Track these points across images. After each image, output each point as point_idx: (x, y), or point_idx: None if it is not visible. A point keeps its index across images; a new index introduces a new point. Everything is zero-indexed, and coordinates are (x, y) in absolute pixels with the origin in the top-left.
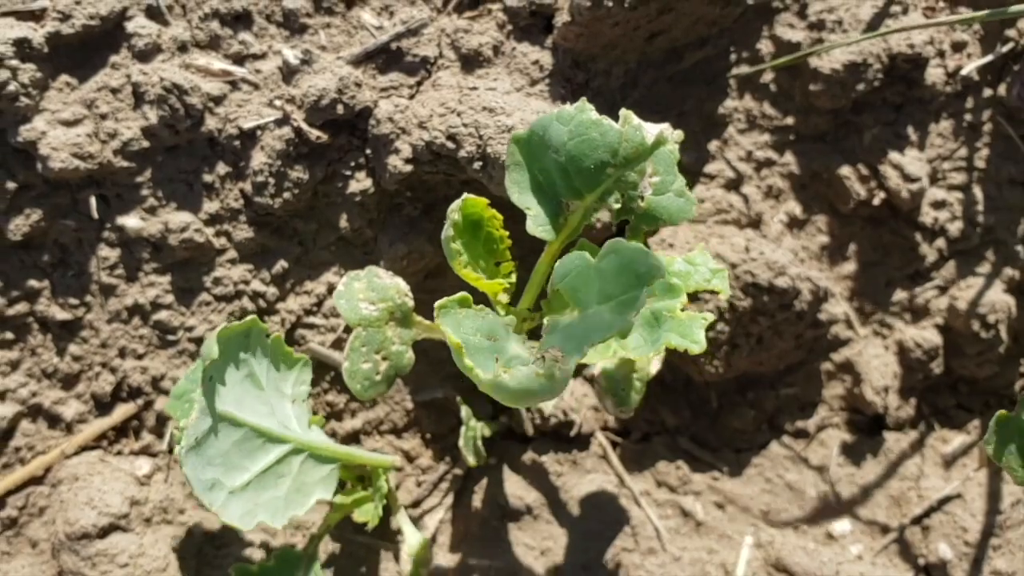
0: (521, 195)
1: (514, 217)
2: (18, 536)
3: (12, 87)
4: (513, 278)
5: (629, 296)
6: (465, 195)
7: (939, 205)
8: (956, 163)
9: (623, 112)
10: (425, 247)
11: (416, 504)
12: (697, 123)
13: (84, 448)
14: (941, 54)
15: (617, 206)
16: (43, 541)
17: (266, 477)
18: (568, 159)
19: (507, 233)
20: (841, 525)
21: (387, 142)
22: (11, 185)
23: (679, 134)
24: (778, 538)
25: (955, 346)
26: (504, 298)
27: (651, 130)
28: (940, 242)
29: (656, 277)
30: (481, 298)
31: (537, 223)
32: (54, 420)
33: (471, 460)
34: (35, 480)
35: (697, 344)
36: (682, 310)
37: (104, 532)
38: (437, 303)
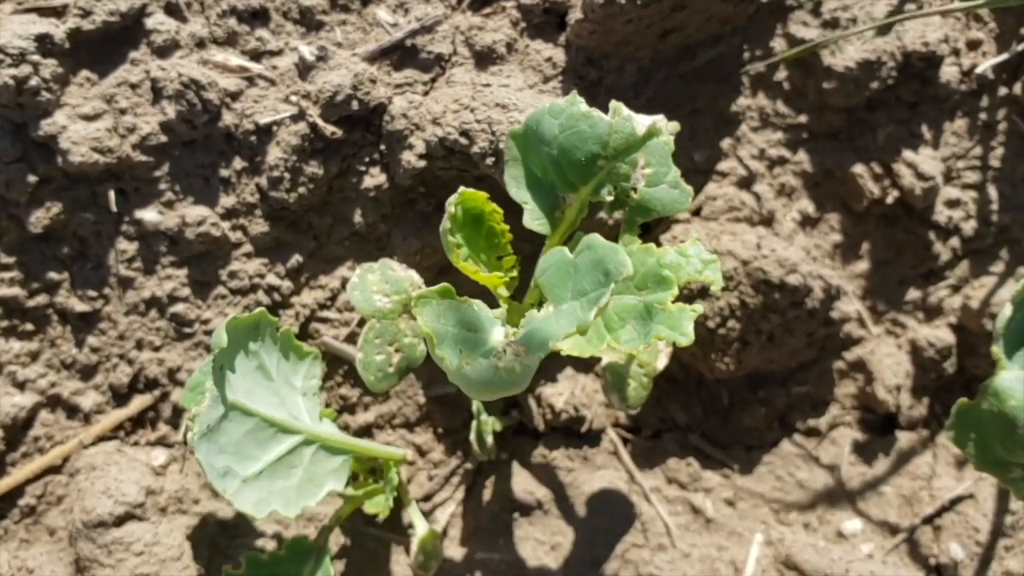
0: (518, 190)
1: (522, 212)
2: (36, 524)
3: (34, 82)
4: (515, 272)
5: (597, 292)
6: (462, 188)
7: (953, 204)
8: (970, 162)
9: (613, 104)
10: (438, 242)
11: (427, 498)
12: (710, 121)
13: (101, 438)
14: (956, 52)
15: (610, 198)
16: (60, 529)
17: (278, 467)
18: (560, 152)
19: (508, 227)
20: (852, 524)
21: (401, 138)
22: (32, 178)
23: (674, 126)
24: (788, 536)
25: (968, 345)
26: (505, 292)
27: (642, 121)
28: (954, 241)
29: (622, 275)
30: (482, 292)
31: (533, 217)
32: (72, 410)
33: (482, 455)
34: (53, 469)
35: (685, 336)
36: (673, 302)
37: (120, 521)
38: (415, 293)
